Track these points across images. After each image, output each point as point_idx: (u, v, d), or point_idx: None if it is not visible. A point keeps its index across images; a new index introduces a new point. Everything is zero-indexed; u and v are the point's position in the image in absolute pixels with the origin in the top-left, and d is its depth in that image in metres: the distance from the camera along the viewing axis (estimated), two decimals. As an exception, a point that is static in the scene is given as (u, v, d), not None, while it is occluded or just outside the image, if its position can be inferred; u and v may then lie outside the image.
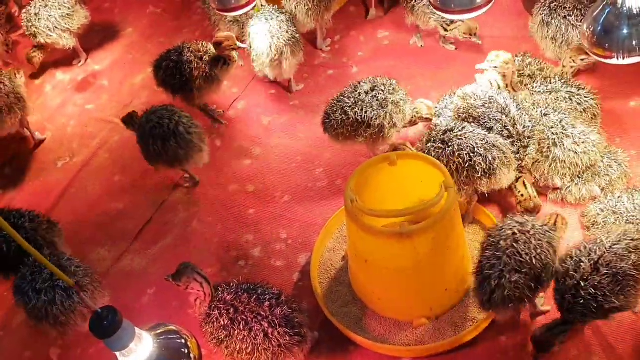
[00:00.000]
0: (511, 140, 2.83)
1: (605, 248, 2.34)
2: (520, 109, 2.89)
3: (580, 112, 3.07)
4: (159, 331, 2.09)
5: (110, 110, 4.29)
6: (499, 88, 3.13)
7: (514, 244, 2.45)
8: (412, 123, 3.38)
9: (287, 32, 3.71)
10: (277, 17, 3.72)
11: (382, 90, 3.15)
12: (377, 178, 2.82)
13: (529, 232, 2.48)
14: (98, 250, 3.53)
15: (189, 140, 3.35)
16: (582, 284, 2.31)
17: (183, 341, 2.12)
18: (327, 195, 3.47)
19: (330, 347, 2.85)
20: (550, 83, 3.14)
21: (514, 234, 2.48)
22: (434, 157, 2.75)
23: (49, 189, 3.93)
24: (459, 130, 2.82)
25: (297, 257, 3.23)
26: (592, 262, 2.32)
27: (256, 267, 3.24)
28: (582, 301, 2.31)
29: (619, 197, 2.87)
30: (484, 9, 2.60)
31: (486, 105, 2.90)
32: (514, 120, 2.84)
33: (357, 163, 3.42)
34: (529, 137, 2.84)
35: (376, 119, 3.12)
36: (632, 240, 2.36)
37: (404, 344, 2.74)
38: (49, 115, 4.36)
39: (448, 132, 2.85)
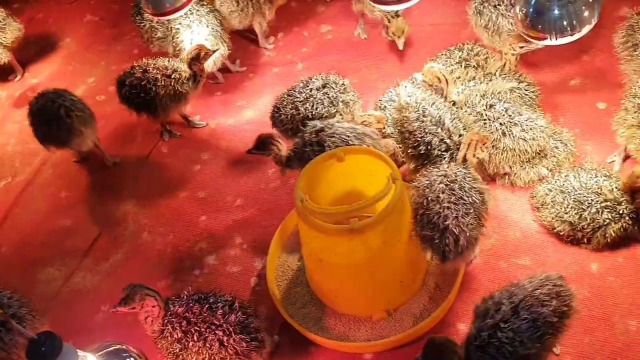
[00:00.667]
0: (450, 152, 2.82)
1: (528, 292, 2.25)
2: (453, 118, 2.88)
3: (521, 104, 3.09)
4: (106, 350, 2.03)
5: (52, 125, 4.15)
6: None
7: (452, 192, 2.51)
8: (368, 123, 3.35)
9: (207, 26, 3.72)
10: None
11: (333, 88, 3.14)
12: (326, 175, 2.78)
13: (456, 177, 2.56)
14: (48, 270, 3.41)
15: (69, 123, 3.42)
16: (501, 325, 2.19)
17: (132, 359, 2.07)
18: (281, 195, 3.42)
19: (292, 350, 2.81)
20: (491, 80, 3.15)
21: (446, 184, 2.54)
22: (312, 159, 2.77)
23: (-8, 210, 3.78)
24: (329, 128, 2.89)
25: (253, 261, 3.18)
26: (513, 305, 2.22)
27: (212, 275, 3.17)
28: (497, 342, 2.18)
29: (565, 176, 2.91)
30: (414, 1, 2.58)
31: (420, 119, 2.87)
32: (450, 132, 2.83)
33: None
34: None
35: (327, 116, 3.10)
36: (555, 285, 2.28)
37: (365, 339, 2.71)
38: (-17, 137, 4.21)
39: (320, 133, 2.90)
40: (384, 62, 3.93)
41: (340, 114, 3.13)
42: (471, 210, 2.49)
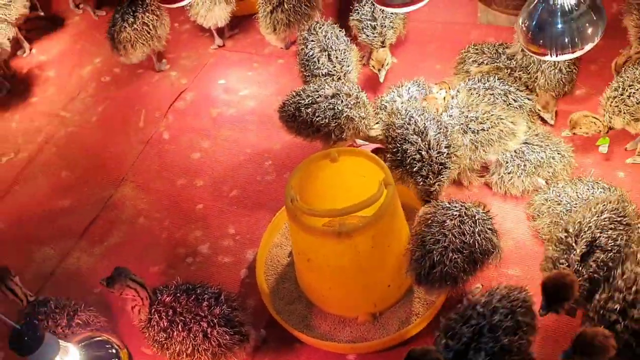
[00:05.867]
0: (421, 164, 2.75)
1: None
2: (439, 132, 2.79)
3: (516, 107, 3.08)
4: (88, 342, 2.06)
5: (57, 104, 4.17)
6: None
7: (461, 225, 2.49)
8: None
9: None
10: None
11: (342, 101, 3.03)
12: (319, 175, 2.79)
13: (474, 216, 2.53)
14: (44, 249, 3.44)
15: None
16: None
17: (114, 351, 2.10)
18: (276, 189, 3.43)
19: (277, 345, 2.84)
20: (488, 80, 3.12)
21: (460, 215, 2.52)
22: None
23: (-7, 186, 3.83)
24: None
25: (245, 253, 3.20)
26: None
27: (204, 264, 3.20)
28: None
29: (562, 187, 2.89)
30: (422, 3, 2.55)
31: (404, 126, 2.81)
32: (429, 144, 2.76)
33: (306, 156, 3.38)
34: (441, 164, 2.76)
35: (325, 126, 3.04)
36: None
37: (349, 340, 2.74)
38: (-12, 112, 4.24)
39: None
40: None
41: (341, 128, 3.05)
42: (465, 251, 2.45)
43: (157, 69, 4.16)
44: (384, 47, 3.57)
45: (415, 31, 3.96)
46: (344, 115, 3.02)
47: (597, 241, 2.37)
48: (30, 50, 4.50)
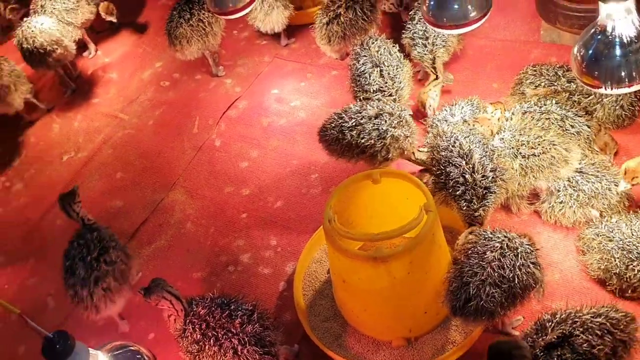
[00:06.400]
0: (464, 187, 2.67)
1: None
2: (485, 155, 2.71)
3: (573, 134, 2.94)
4: (117, 352, 2.13)
5: (117, 105, 4.32)
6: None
7: (501, 258, 2.41)
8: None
9: None
10: None
11: (386, 121, 2.99)
12: (360, 195, 2.77)
13: (517, 249, 2.44)
14: (95, 247, 3.58)
15: None
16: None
17: (143, 361, 2.16)
18: (320, 203, 3.42)
19: (310, 362, 2.85)
20: (545, 104, 3.00)
21: (502, 247, 2.43)
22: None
23: (54, 182, 3.99)
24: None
25: (285, 266, 3.22)
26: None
27: (244, 274, 3.24)
28: None
29: (616, 222, 2.75)
30: (474, 25, 2.47)
31: (449, 149, 2.74)
32: (473, 168, 2.68)
33: (353, 171, 3.35)
34: (486, 188, 2.67)
35: (370, 147, 2.98)
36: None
37: (382, 364, 2.70)
38: (57, 108, 4.42)
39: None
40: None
41: (387, 149, 3.00)
42: (504, 285, 2.36)
43: (213, 73, 4.25)
44: (436, 80, 3.51)
45: (473, 48, 3.87)
46: (389, 134, 2.97)
47: (573, 339, 2.21)
48: (96, 51, 4.68)
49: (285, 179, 3.59)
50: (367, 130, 2.98)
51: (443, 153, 2.77)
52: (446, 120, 3.18)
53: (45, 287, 3.47)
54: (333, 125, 3.07)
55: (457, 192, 2.69)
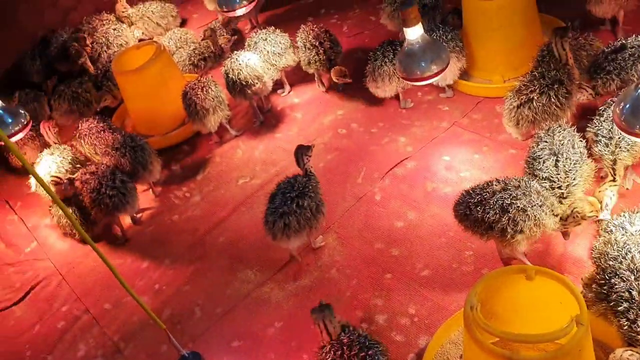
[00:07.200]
0: (629, 304, 2.46)
1: None
2: None
3: None
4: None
5: (295, 143, 4.50)
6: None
7: None
8: (576, 223, 3.09)
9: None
10: None
11: (511, 194, 2.96)
12: (510, 287, 2.62)
13: None
14: (246, 271, 3.80)
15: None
16: None
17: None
18: (469, 282, 3.30)
19: None
20: None
21: None
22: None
23: (226, 202, 4.33)
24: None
25: (418, 338, 3.14)
26: None
27: (376, 334, 3.19)
28: None
29: None
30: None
31: (618, 259, 2.55)
32: None
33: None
34: None
35: (497, 222, 2.95)
36: None
37: None
38: (244, 136, 4.81)
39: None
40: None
41: (515, 221, 2.93)
42: None
43: (402, 106, 4.44)
44: (614, 176, 3.28)
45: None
46: (514, 207, 2.92)
47: None
48: (289, 92, 5.04)
49: (437, 249, 3.53)
50: (491, 204, 2.97)
51: (611, 262, 2.59)
52: (623, 228, 2.92)
53: (197, 296, 3.76)
54: (461, 201, 3.12)
55: (620, 308, 2.51)
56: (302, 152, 3.63)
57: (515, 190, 2.98)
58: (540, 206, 2.96)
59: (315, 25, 4.72)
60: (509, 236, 2.97)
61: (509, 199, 2.96)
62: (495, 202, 2.98)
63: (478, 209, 3.02)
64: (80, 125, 4.64)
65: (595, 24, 4.51)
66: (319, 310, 2.81)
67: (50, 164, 4.40)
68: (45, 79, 5.48)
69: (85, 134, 4.57)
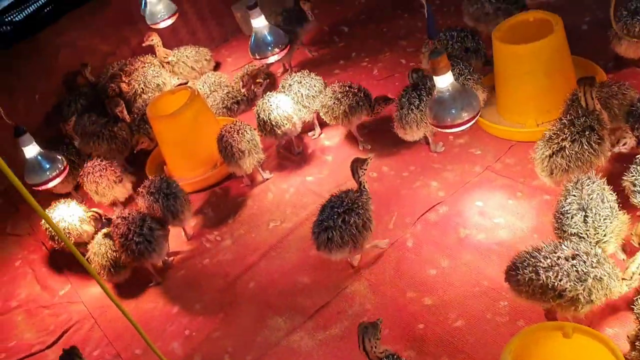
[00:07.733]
0: None
1: None
2: None
3: None
4: None
5: (326, 186, 4.56)
6: None
7: None
8: None
9: None
10: None
11: (584, 261, 2.79)
12: (545, 344, 2.54)
13: None
14: (276, 319, 3.77)
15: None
16: None
17: None
18: (503, 334, 3.20)
19: None
20: None
21: None
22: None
23: (257, 245, 4.33)
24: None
25: (452, 393, 3.06)
26: None
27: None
28: None
29: None
30: None
31: None
32: None
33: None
34: None
35: (571, 291, 2.78)
36: None
37: None
38: (275, 178, 4.83)
39: None
40: None
41: (590, 291, 2.77)
42: None
43: (432, 150, 4.44)
44: None
45: None
46: (591, 275, 2.76)
47: None
48: (320, 134, 5.06)
49: (471, 298, 3.45)
50: (565, 270, 2.79)
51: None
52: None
53: (227, 342, 3.75)
54: (526, 264, 2.91)
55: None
56: (357, 165, 3.69)
57: (588, 257, 2.82)
58: (612, 276, 2.83)
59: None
60: (580, 306, 2.81)
61: (586, 268, 2.79)
62: (569, 269, 2.80)
63: (549, 274, 2.82)
64: (85, 163, 4.82)
65: (630, 64, 4.44)
66: (364, 326, 2.80)
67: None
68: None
69: (89, 172, 4.72)
